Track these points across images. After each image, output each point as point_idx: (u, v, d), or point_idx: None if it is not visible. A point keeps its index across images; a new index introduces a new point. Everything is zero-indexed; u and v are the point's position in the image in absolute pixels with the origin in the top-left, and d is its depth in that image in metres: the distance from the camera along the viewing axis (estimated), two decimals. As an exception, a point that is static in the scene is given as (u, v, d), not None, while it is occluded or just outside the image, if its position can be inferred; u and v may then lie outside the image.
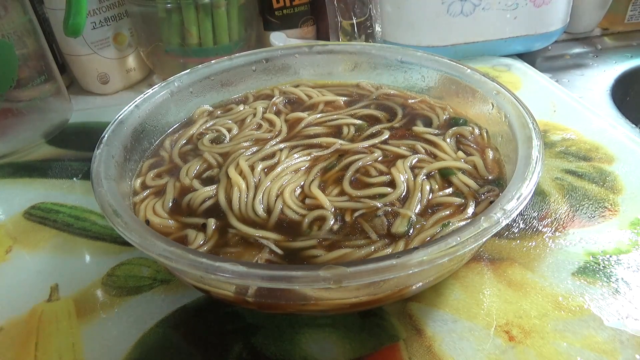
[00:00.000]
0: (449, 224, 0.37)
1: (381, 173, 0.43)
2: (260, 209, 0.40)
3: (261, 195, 0.41)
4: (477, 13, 0.72)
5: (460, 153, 0.45)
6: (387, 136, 0.48)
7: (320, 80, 0.59)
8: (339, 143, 0.47)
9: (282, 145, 0.47)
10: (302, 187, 0.43)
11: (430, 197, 0.40)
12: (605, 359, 0.34)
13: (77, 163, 0.60)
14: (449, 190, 0.41)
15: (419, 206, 0.39)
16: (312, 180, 0.43)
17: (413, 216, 0.38)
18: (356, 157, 0.45)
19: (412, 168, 0.43)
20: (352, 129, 0.50)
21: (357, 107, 0.54)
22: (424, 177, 0.42)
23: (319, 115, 0.52)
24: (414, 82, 0.55)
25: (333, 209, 0.40)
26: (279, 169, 0.44)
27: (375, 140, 0.47)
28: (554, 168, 0.53)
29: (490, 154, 0.45)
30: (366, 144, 0.47)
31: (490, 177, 0.42)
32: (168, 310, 0.40)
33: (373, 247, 0.36)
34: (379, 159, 0.45)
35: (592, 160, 0.54)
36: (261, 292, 0.33)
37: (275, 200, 0.41)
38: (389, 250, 0.36)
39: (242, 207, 0.41)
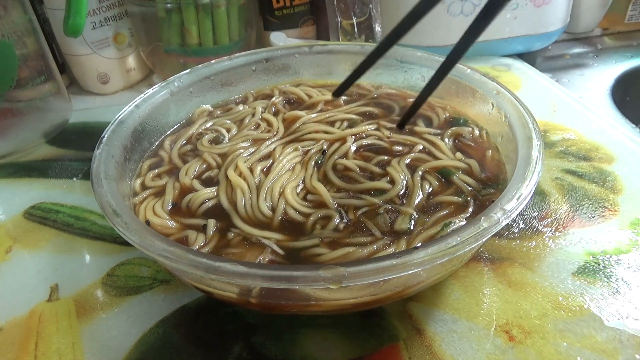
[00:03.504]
0: (449, 224, 0.37)
1: (378, 163, 0.43)
2: (266, 209, 0.40)
3: (264, 195, 0.41)
4: (477, 13, 0.71)
5: (458, 154, 0.45)
6: (375, 126, 0.49)
7: (320, 80, 0.59)
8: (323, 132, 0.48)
9: (276, 144, 0.47)
10: (303, 183, 0.43)
11: (430, 196, 0.41)
12: (605, 359, 0.34)
13: (77, 163, 0.60)
14: (450, 189, 0.41)
15: (418, 202, 0.40)
16: (312, 174, 0.43)
17: (414, 213, 0.38)
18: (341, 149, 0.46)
19: (409, 166, 0.44)
20: (345, 124, 0.50)
21: (355, 106, 0.54)
22: (422, 175, 0.42)
23: (314, 115, 0.52)
24: (414, 82, 0.55)
25: (336, 206, 0.40)
26: (277, 168, 0.44)
27: (367, 127, 0.48)
28: (554, 168, 0.53)
29: (489, 154, 0.45)
30: (355, 130, 0.48)
31: (489, 178, 0.42)
32: (168, 310, 0.40)
33: (375, 246, 0.36)
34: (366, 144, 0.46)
35: (592, 160, 0.54)
36: (264, 292, 0.33)
37: (278, 199, 0.41)
38: (391, 249, 0.36)
39: (249, 209, 0.40)
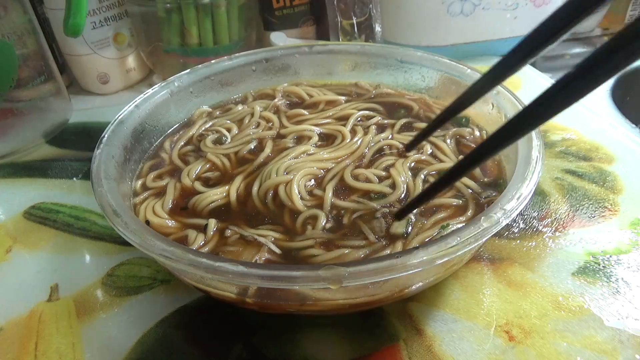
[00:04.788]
0: (447, 226, 0.37)
1: (385, 168, 0.43)
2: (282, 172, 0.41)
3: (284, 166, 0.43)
4: (477, 13, 0.72)
5: (461, 157, 0.45)
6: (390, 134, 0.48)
7: (319, 80, 0.59)
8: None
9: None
10: (314, 181, 0.43)
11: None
12: (605, 359, 0.34)
13: (77, 163, 0.60)
14: (450, 192, 0.41)
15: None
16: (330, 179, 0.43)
17: (412, 217, 0.38)
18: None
19: (412, 169, 0.43)
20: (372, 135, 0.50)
21: (355, 104, 0.54)
22: (425, 178, 0.42)
23: (314, 117, 0.52)
24: (414, 82, 0.55)
25: (329, 208, 0.40)
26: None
27: (380, 137, 0.48)
28: (554, 168, 0.53)
29: (490, 154, 0.45)
30: (367, 140, 0.47)
31: (490, 180, 0.42)
32: (168, 310, 0.40)
33: (371, 248, 0.36)
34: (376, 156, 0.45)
35: (592, 160, 0.54)
36: (261, 292, 0.33)
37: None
38: (387, 251, 0.36)
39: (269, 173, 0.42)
